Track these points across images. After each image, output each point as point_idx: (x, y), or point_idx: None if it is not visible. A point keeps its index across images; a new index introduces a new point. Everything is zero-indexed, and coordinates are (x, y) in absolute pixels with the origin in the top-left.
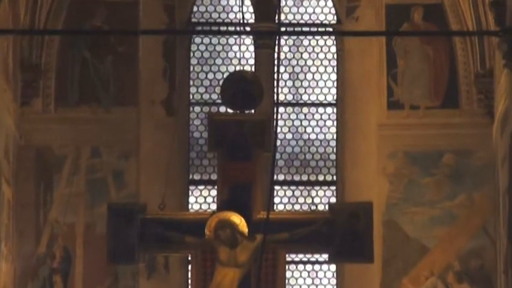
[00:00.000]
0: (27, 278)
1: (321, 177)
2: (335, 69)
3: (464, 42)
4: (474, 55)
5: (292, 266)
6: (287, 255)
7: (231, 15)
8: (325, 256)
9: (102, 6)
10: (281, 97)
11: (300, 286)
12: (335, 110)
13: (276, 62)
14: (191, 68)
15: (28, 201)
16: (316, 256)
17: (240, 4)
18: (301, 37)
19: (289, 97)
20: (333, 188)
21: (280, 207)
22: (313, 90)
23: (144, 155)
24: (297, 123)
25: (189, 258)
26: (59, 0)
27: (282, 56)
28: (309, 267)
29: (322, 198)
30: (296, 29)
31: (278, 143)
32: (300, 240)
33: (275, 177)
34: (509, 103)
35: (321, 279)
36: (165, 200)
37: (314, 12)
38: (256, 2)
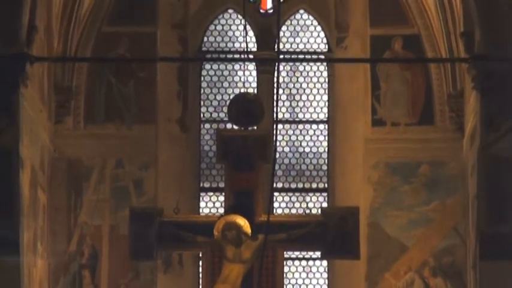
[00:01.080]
0: (59, 272)
1: (314, 185)
2: (326, 91)
3: (438, 68)
4: (447, 79)
5: (290, 262)
6: (285, 253)
7: (237, 45)
8: (318, 253)
9: (125, 37)
10: (279, 115)
11: (296, 280)
12: (326, 126)
13: (275, 85)
14: (202, 90)
15: (60, 206)
16: (310, 253)
17: (244, 35)
18: (297, 63)
19: (287, 115)
20: (325, 194)
21: (279, 211)
22: (307, 109)
23: (161, 166)
24: (293, 138)
25: (200, 255)
26: (88, 32)
27: (281, 79)
28: (304, 263)
29: (315, 203)
30: (293, 56)
31: (277, 155)
32: (296, 240)
33: (274, 185)
34: (477, 120)
35: (314, 273)
36: (179, 205)
37: (308, 42)
38: (258, 33)
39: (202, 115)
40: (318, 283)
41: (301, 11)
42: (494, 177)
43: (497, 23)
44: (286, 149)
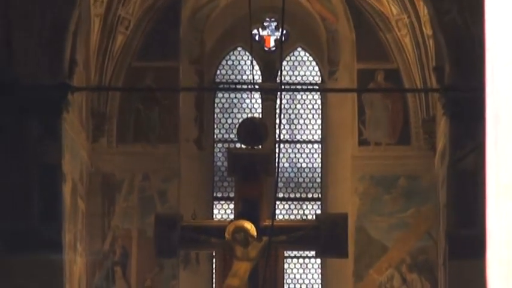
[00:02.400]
0: (95, 268)
1: (309, 195)
2: (320, 116)
3: (414, 97)
4: (421, 106)
5: (289, 260)
6: (285, 252)
7: (244, 77)
8: (312, 253)
9: (151, 70)
10: (281, 136)
11: (294, 275)
12: (320, 146)
13: (277, 110)
14: (215, 115)
15: (96, 212)
16: (306, 253)
17: (251, 69)
18: (296, 93)
19: (287, 136)
20: (319, 203)
21: (280, 217)
22: (304, 131)
23: (181, 179)
24: (292, 155)
25: (214, 254)
26: (120, 66)
27: (282, 106)
28: (301, 261)
29: (311, 211)
30: (292, 86)
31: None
32: (295, 241)
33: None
34: (446, 141)
35: (309, 269)
36: (196, 212)
37: (305, 74)
38: (263, 67)
39: (215, 136)
40: (312, 278)
41: (299, 49)
42: (461, 188)
43: (464, 59)
44: (286, 165)
